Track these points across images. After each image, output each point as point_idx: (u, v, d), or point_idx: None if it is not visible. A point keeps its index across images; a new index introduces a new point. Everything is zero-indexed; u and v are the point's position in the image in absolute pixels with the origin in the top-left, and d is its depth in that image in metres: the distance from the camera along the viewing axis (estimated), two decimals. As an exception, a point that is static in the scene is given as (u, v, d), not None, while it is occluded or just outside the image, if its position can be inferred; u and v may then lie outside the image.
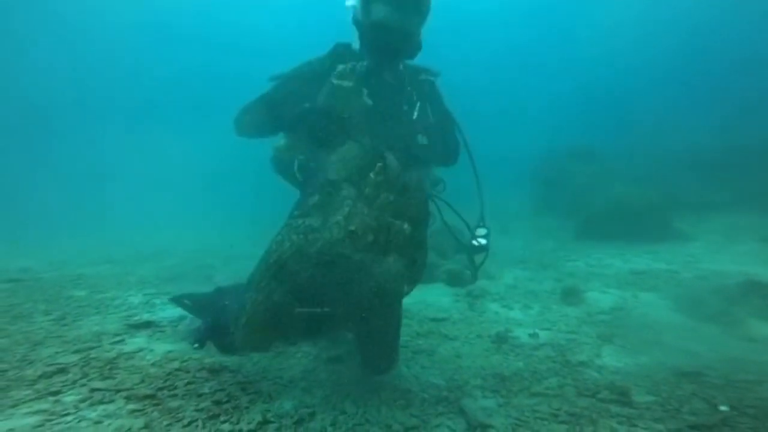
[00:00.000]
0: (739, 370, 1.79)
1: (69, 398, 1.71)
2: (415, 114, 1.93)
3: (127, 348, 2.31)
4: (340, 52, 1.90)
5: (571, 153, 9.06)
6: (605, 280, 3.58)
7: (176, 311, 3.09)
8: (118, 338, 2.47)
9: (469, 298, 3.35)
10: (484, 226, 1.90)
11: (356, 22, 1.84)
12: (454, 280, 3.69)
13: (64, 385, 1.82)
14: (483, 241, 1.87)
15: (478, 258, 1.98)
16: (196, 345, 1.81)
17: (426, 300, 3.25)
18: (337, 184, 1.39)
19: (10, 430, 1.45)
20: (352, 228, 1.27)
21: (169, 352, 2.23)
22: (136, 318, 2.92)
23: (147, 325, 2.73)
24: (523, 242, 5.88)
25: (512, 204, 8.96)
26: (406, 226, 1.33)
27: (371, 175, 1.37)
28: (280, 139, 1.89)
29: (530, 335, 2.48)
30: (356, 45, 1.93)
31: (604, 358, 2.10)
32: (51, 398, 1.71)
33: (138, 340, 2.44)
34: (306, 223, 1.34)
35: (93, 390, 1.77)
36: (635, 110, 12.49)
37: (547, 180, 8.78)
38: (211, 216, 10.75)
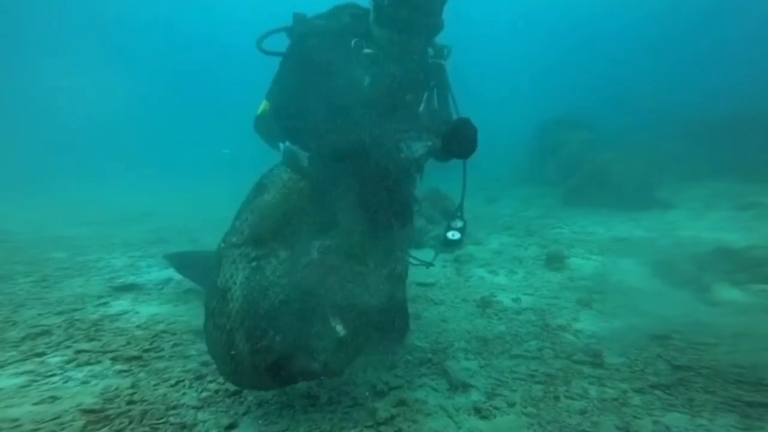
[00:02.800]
0: (701, 333, 1.90)
1: (54, 359, 1.71)
2: (421, 106, 1.80)
3: (112, 310, 2.29)
4: (346, 22, 1.74)
5: (564, 122, 8.94)
6: (588, 247, 3.68)
7: (162, 274, 3.06)
8: (102, 300, 2.45)
9: (457, 263, 3.41)
10: (461, 218, 1.79)
11: None
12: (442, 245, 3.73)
13: (48, 347, 1.81)
14: (457, 236, 1.77)
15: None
16: None
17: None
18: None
19: (-5, 391, 1.45)
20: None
21: (155, 314, 2.23)
22: (120, 280, 2.89)
23: (132, 287, 2.71)
24: (511, 210, 5.94)
25: (503, 172, 8.94)
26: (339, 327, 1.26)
27: None
28: (264, 104, 1.79)
29: (513, 300, 2.56)
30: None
31: (581, 322, 2.20)
32: (36, 359, 1.71)
33: (122, 303, 2.43)
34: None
35: (78, 351, 1.78)
36: (629, 80, 12.28)
37: (539, 148, 8.72)
38: (198, 175, 10.44)
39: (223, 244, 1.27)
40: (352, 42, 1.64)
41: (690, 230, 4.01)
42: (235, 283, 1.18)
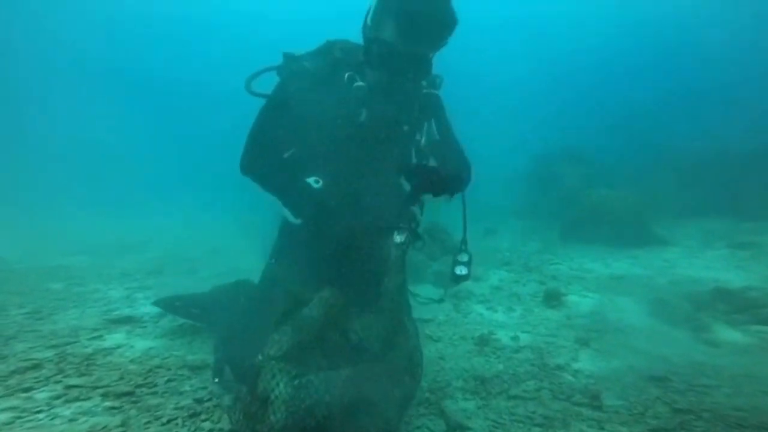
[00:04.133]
0: (701, 374, 1.88)
1: (42, 395, 1.67)
2: (423, 139, 1.78)
3: (106, 344, 2.26)
4: (338, 57, 1.72)
5: (561, 155, 9.20)
6: (586, 284, 3.68)
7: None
8: (96, 334, 2.42)
9: (455, 299, 3.40)
10: (466, 251, 1.77)
11: (365, 28, 1.67)
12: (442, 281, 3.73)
13: (37, 381, 1.78)
14: (465, 270, 1.75)
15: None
16: (216, 380, 1.71)
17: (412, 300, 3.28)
18: None
19: (-20, 428, 1.41)
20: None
21: (150, 348, 2.20)
22: (116, 313, 2.86)
23: (127, 320, 2.68)
24: (510, 243, 5.98)
25: (503, 204, 9.08)
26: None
27: None
28: None
29: (512, 338, 2.54)
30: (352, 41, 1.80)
31: (580, 362, 2.17)
32: (23, 395, 1.67)
33: (117, 336, 2.40)
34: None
35: (68, 387, 1.74)
36: (626, 113, 12.78)
37: (538, 180, 8.91)
38: (197, 203, 10.55)
39: (260, 357, 1.28)
40: (345, 75, 1.63)
41: (687, 268, 4.03)
42: (277, 398, 1.20)
